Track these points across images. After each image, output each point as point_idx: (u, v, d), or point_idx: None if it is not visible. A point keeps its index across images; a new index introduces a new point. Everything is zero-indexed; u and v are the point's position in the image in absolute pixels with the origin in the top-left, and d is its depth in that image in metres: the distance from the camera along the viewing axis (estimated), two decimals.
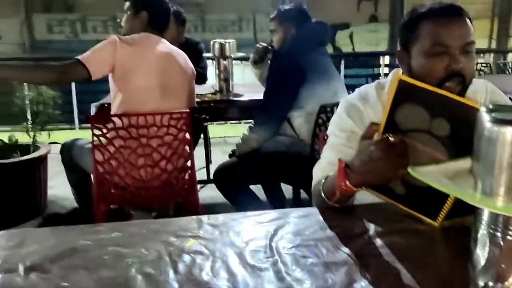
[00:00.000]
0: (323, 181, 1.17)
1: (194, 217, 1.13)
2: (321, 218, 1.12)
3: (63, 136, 3.42)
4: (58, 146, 3.11)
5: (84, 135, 3.23)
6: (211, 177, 2.82)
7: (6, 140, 3.09)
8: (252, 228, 1.08)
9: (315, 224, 1.09)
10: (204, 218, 1.12)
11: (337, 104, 1.39)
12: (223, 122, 4.22)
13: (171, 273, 0.89)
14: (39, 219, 3.02)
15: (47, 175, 3.18)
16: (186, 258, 0.95)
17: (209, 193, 3.20)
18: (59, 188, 3.38)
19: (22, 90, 3.11)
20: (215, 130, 4.83)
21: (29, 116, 3.15)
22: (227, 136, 5.05)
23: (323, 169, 1.24)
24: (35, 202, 3.10)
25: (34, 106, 3.04)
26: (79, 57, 2.00)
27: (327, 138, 1.31)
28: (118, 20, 2.49)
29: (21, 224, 2.89)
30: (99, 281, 0.88)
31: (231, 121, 4.32)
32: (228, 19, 11.40)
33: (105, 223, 1.18)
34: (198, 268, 0.91)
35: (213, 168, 2.86)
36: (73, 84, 5.07)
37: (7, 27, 10.13)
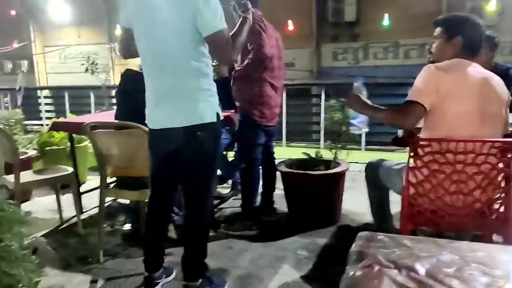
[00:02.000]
0: None
1: None
2: None
3: (353, 156, 3.70)
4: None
5: (372, 156, 3.42)
6: None
7: (312, 155, 3.53)
8: None
9: None
10: None
11: None
12: None
13: None
14: (333, 228, 3.33)
15: (343, 189, 3.48)
16: None
17: None
18: (349, 203, 3.67)
19: (330, 113, 3.50)
20: None
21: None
22: None
23: None
24: (331, 213, 3.44)
25: (339, 127, 3.39)
26: (410, 98, 2.10)
27: None
28: (427, 46, 2.54)
29: (316, 230, 3.26)
30: None
31: None
32: None
33: None
34: None
35: None
36: None
37: (299, 56, 11.59)
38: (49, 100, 8.95)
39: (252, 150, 3.30)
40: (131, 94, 2.78)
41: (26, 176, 3.28)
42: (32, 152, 4.29)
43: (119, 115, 2.98)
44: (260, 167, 3.44)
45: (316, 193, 3.31)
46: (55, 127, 3.65)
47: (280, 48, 3.30)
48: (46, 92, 9.29)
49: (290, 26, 10.97)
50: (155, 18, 2.09)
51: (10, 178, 3.17)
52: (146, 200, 2.47)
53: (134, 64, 2.99)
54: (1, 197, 1.12)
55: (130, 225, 3.45)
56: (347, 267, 1.12)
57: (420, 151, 2.07)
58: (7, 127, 3.48)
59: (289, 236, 3.18)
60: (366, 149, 5.77)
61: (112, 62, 9.13)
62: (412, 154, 2.09)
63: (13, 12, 13.24)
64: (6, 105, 7.53)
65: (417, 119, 2.08)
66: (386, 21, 10.50)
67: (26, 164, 3.84)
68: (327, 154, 3.53)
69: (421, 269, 1.04)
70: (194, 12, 2.01)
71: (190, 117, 2.12)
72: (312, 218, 3.37)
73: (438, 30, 2.32)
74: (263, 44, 3.08)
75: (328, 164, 3.47)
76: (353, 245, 1.28)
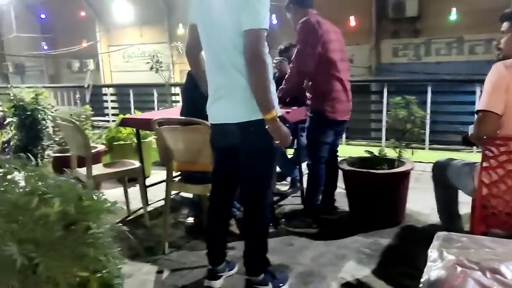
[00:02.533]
0: None
1: None
2: None
3: (417, 155, 3.58)
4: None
5: (436, 156, 3.29)
6: None
7: (376, 153, 3.46)
8: None
9: None
10: None
11: None
12: None
13: None
14: (396, 228, 3.24)
15: (408, 189, 3.39)
16: None
17: None
18: (413, 203, 3.56)
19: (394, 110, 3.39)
20: None
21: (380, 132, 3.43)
22: None
23: None
24: (394, 213, 3.35)
25: (404, 124, 3.29)
26: (481, 106, 2.03)
27: None
28: (495, 42, 2.41)
29: (379, 230, 3.19)
30: None
31: None
32: None
33: None
34: None
35: None
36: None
37: (358, 53, 11.37)
38: (113, 97, 9.36)
39: (319, 148, 3.28)
40: (195, 91, 2.85)
41: (97, 169, 3.46)
42: (101, 147, 4.50)
43: (184, 112, 3.07)
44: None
45: (379, 192, 3.24)
46: (124, 123, 3.80)
47: (340, 41, 3.26)
48: (110, 90, 9.72)
49: (352, 22, 10.80)
50: (212, 16, 2.14)
51: (82, 170, 3.35)
52: (208, 194, 2.53)
53: None
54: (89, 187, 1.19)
55: (193, 218, 3.54)
56: (426, 267, 1.10)
57: (495, 150, 1.98)
58: (78, 123, 3.68)
59: (351, 235, 3.14)
60: (430, 148, 5.58)
61: (172, 61, 9.39)
62: (486, 153, 1.99)
63: (82, 13, 13.95)
64: (77, 101, 7.96)
65: (493, 126, 2.00)
66: (453, 16, 10.07)
67: (96, 158, 4.04)
68: (390, 153, 3.45)
69: (508, 272, 0.99)
70: (242, 6, 2.03)
71: (244, 113, 2.15)
72: (374, 218, 3.31)
73: (505, 25, 2.21)
74: (320, 40, 3.05)
75: (391, 163, 3.39)
76: (432, 245, 1.24)
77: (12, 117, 4.28)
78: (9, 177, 1.07)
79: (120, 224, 1.24)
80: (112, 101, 9.27)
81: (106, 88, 9.84)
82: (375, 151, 3.50)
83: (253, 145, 2.22)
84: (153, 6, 13.37)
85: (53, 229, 1.00)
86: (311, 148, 3.33)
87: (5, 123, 5.40)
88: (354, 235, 3.14)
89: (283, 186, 4.25)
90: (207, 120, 2.40)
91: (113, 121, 7.41)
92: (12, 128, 4.51)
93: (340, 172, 3.46)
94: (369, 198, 3.29)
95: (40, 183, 1.09)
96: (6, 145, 4.37)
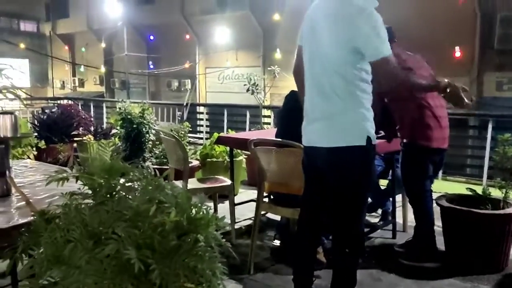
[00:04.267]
0: None
1: None
2: None
3: None
4: None
5: None
6: None
7: (479, 192, 3.23)
8: None
9: None
10: None
11: None
12: None
13: None
14: (497, 276, 2.97)
15: None
16: None
17: None
18: None
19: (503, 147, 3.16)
20: None
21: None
22: None
23: None
24: (496, 258, 3.08)
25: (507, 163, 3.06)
26: None
27: None
28: None
29: (478, 275, 2.94)
30: None
31: None
32: None
33: None
34: None
35: None
36: None
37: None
38: (206, 116, 9.77)
39: (418, 184, 3.14)
40: (291, 113, 2.88)
41: (192, 183, 3.60)
42: (195, 162, 4.70)
43: (280, 134, 3.11)
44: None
45: (481, 234, 3.00)
46: (219, 140, 3.94)
47: (425, 67, 3.15)
48: (202, 108, 10.17)
49: (457, 53, 10.37)
50: (318, 39, 2.16)
51: (178, 183, 3.51)
52: (297, 218, 2.51)
53: (286, 86, 3.10)
54: (200, 200, 1.24)
55: (279, 241, 3.54)
56: None
57: None
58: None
59: (446, 277, 2.93)
60: None
61: (264, 84, 9.63)
62: None
63: (187, 37, 14.86)
64: (179, 118, 8.42)
65: None
66: None
67: (191, 172, 4.21)
68: (494, 192, 3.20)
69: None
70: (356, 36, 2.03)
71: (337, 138, 2.11)
72: (473, 261, 3.06)
73: None
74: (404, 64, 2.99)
75: (496, 203, 3.14)
76: None
77: (119, 129, 4.62)
78: (131, 184, 1.15)
79: (225, 241, 1.27)
80: (207, 119, 9.67)
81: (201, 107, 10.31)
82: (477, 189, 3.27)
83: (345, 173, 2.17)
84: (250, 31, 13.88)
85: (169, 238, 1.05)
86: (410, 185, 3.19)
87: (111, 133, 5.87)
88: (450, 278, 2.93)
89: (373, 218, 4.10)
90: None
91: (206, 138, 7.72)
92: (117, 139, 4.87)
93: (437, 209, 3.27)
94: (469, 239, 3.06)
95: (157, 192, 1.16)
96: (115, 153, 4.72)
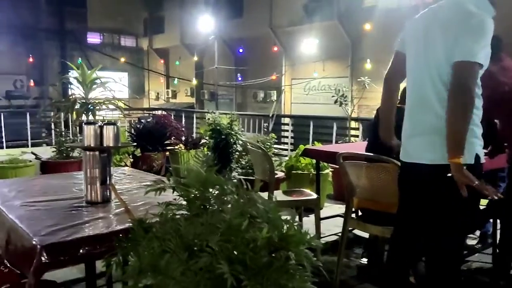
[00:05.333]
0: None
1: None
2: None
3: None
4: None
5: None
6: None
7: None
8: None
9: None
10: None
11: None
12: None
13: None
14: None
15: None
16: None
17: None
18: None
19: None
20: None
21: None
22: None
23: None
24: None
25: None
26: None
27: None
28: None
29: None
30: None
31: None
32: None
33: None
34: None
35: None
36: None
37: None
38: (291, 127, 9.77)
39: None
40: None
41: (277, 195, 3.59)
42: (280, 174, 4.69)
43: (370, 148, 3.00)
44: None
45: None
46: (305, 153, 3.90)
47: None
48: (288, 120, 10.18)
49: None
50: (425, 45, 2.03)
51: (264, 195, 3.52)
52: (387, 237, 2.38)
53: (375, 98, 2.97)
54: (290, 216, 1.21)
55: (366, 259, 3.40)
56: None
57: None
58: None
59: None
60: None
61: (352, 95, 9.42)
62: None
63: (275, 49, 15.07)
64: (265, 129, 8.52)
65: None
66: None
67: (276, 184, 4.21)
68: None
69: None
70: (460, 36, 1.89)
71: (443, 155, 1.95)
72: None
73: None
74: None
75: None
76: None
77: (208, 139, 4.76)
78: (224, 198, 1.15)
79: (315, 259, 1.23)
80: (292, 131, 9.68)
81: (286, 118, 10.33)
82: None
83: (447, 193, 2.00)
84: (338, 41, 13.71)
85: (260, 254, 1.03)
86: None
87: (200, 143, 6.08)
88: None
89: (471, 240, 3.80)
90: (393, 158, 2.28)
91: (291, 150, 7.71)
92: (206, 149, 5.02)
93: None
94: None
95: (249, 207, 1.15)
96: (207, 165, 4.88)
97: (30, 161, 5.42)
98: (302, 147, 3.98)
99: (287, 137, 9.28)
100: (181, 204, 1.23)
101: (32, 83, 17.47)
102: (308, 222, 3.68)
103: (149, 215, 1.27)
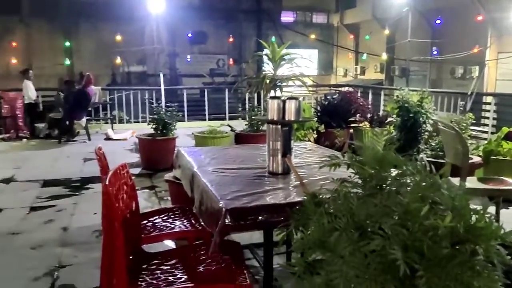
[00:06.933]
0: None
1: None
2: None
3: None
4: None
5: None
6: None
7: None
8: None
9: None
10: None
11: None
12: None
13: None
14: None
15: None
16: None
17: None
18: None
19: None
20: None
21: None
22: None
23: None
24: None
25: None
26: None
27: None
28: None
29: None
30: None
31: None
32: None
33: None
34: None
35: None
36: None
37: None
38: (494, 107, 8.63)
39: None
40: None
41: (470, 182, 3.22)
42: (476, 159, 4.20)
43: None
44: None
45: None
46: (508, 137, 3.40)
47: None
48: (490, 99, 9.00)
49: None
50: None
51: (455, 181, 3.19)
52: None
53: None
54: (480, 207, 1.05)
55: None
56: None
57: None
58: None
59: None
60: None
61: None
62: None
63: (479, 18, 13.38)
64: (461, 108, 7.77)
65: None
66: None
67: (470, 170, 3.78)
68: None
69: None
70: None
71: None
72: None
73: None
74: None
75: None
76: None
77: (395, 117, 4.52)
78: (403, 179, 1.06)
79: (510, 258, 1.05)
80: (493, 111, 8.57)
81: (489, 97, 9.16)
82: None
83: None
84: None
85: (441, 244, 0.92)
86: None
87: (386, 121, 5.84)
88: None
89: None
90: None
91: (492, 133, 6.84)
92: (392, 128, 4.78)
93: None
94: None
95: (431, 192, 1.03)
96: (389, 143, 4.70)
97: (226, 132, 6.03)
98: (505, 129, 3.46)
99: (488, 118, 8.25)
100: (356, 182, 1.18)
101: (231, 61, 19.25)
102: (507, 215, 3.22)
103: (323, 190, 1.26)
